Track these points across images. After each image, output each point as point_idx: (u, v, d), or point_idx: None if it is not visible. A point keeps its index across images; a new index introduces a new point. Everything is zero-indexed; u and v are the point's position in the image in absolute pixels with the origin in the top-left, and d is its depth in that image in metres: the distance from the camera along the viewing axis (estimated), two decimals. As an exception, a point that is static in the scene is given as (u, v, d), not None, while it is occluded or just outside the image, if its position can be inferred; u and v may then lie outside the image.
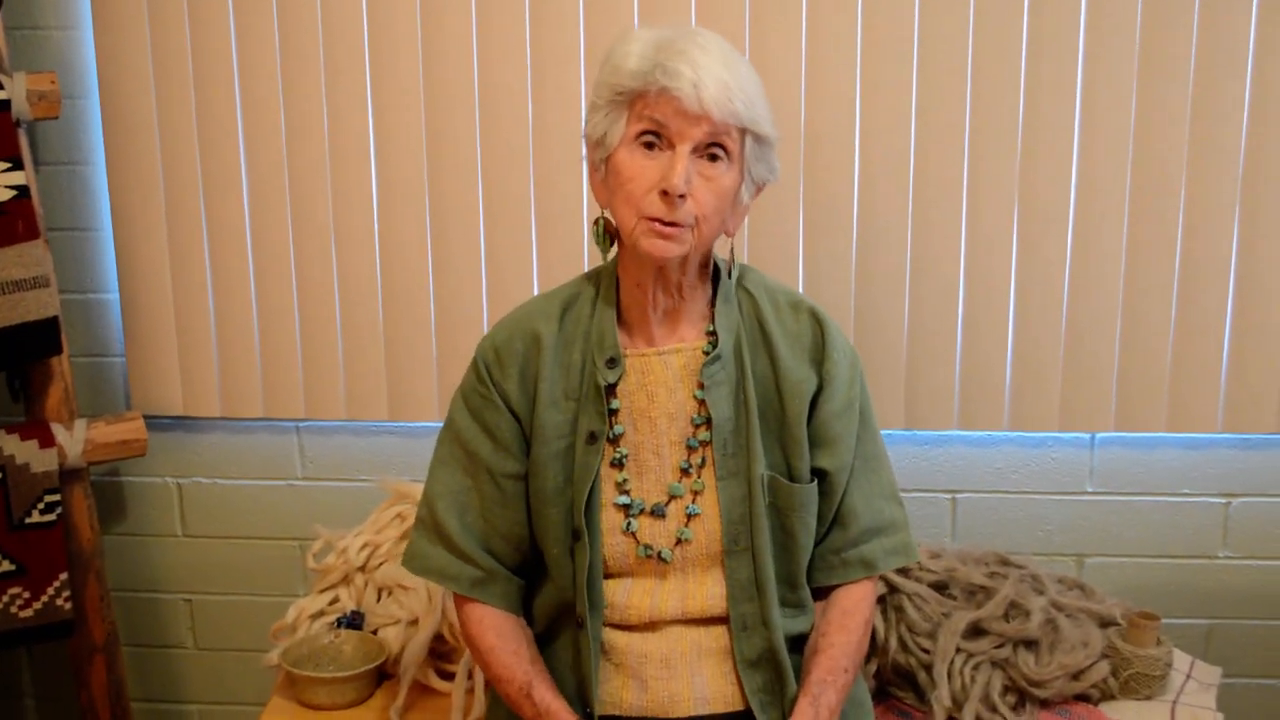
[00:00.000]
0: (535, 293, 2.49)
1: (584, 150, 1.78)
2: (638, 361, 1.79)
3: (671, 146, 1.66)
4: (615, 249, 1.79)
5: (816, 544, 1.83)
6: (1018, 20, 2.35)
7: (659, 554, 1.77)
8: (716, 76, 1.62)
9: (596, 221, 1.78)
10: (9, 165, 2.34)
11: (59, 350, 2.42)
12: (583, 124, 1.77)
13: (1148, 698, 2.18)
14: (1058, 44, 2.36)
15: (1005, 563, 2.34)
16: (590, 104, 1.74)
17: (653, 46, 1.66)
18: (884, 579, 2.18)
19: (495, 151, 2.48)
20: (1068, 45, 2.36)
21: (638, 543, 1.77)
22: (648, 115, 1.66)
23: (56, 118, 2.45)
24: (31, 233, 2.35)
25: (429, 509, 1.84)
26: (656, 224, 1.66)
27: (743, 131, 1.67)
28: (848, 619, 1.81)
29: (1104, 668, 2.16)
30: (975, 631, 2.17)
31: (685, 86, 1.62)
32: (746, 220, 2.39)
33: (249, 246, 2.56)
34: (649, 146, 1.67)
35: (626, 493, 1.78)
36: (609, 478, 1.78)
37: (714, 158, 1.67)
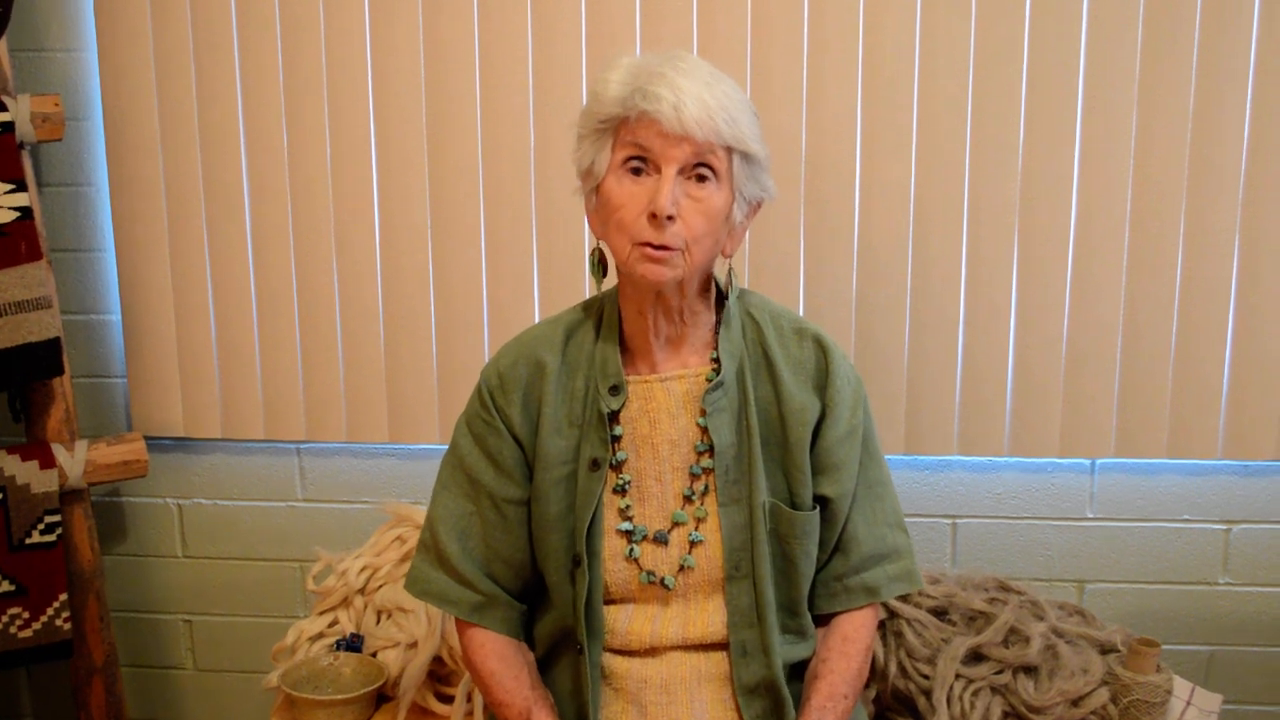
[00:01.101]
0: (537, 315, 2.50)
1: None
2: (640, 388, 1.79)
3: (658, 170, 1.65)
4: (608, 279, 1.79)
5: (818, 570, 1.83)
6: (1018, 45, 2.36)
7: (662, 580, 1.77)
8: (696, 96, 1.62)
9: (593, 253, 1.78)
10: (12, 187, 2.35)
11: (60, 371, 2.42)
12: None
13: (1148, 725, 2.18)
14: (1058, 69, 2.36)
15: (1005, 588, 2.34)
16: (577, 135, 1.74)
17: (631, 73, 1.67)
18: (884, 604, 2.18)
19: (497, 176, 2.49)
20: (1068, 70, 2.36)
21: (640, 569, 1.77)
22: (631, 141, 1.66)
23: (60, 140, 2.46)
24: (34, 254, 2.35)
25: (431, 533, 1.84)
26: (648, 249, 1.66)
27: (728, 150, 1.67)
28: (848, 645, 1.81)
29: (1104, 694, 2.16)
30: (975, 657, 2.17)
31: (665, 109, 1.62)
32: (747, 244, 2.42)
33: (251, 269, 2.57)
34: (636, 172, 1.67)
35: (629, 519, 1.78)
36: (611, 504, 1.78)
37: (701, 178, 1.66)
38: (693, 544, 1.77)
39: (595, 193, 1.73)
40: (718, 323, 1.81)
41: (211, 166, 2.54)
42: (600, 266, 1.78)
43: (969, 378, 2.47)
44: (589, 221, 1.77)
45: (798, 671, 1.82)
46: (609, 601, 1.79)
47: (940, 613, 2.25)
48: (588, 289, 2.47)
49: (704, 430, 1.77)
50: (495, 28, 2.44)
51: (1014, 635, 2.20)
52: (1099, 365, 2.44)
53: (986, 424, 2.48)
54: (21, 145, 2.39)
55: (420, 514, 2.42)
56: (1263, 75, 2.34)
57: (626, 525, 1.78)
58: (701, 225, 1.67)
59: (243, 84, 2.51)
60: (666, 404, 1.78)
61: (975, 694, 2.13)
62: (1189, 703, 2.26)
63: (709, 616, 1.78)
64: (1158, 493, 2.53)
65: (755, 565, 1.76)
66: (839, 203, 2.43)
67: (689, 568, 1.77)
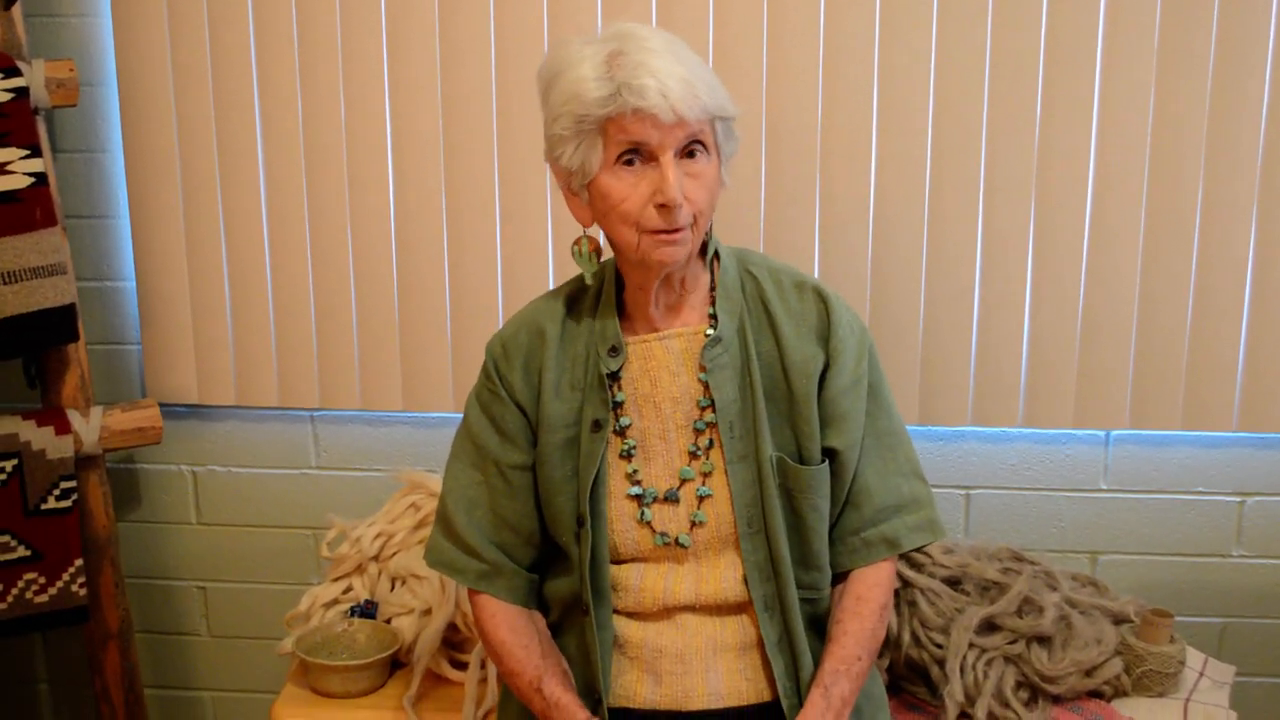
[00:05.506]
0: (550, 283, 2.50)
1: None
2: (639, 347, 1.80)
3: (654, 158, 1.67)
4: (596, 264, 1.80)
5: (834, 526, 1.83)
6: (1036, 15, 2.35)
7: (677, 540, 1.78)
8: (677, 77, 1.63)
9: (577, 242, 1.78)
10: (27, 152, 2.34)
11: (75, 337, 2.43)
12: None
13: (1161, 695, 2.18)
14: (1075, 40, 2.35)
15: (1019, 559, 2.34)
16: (553, 135, 1.71)
17: (604, 65, 1.66)
18: (897, 573, 2.17)
19: (511, 143, 2.48)
20: (1085, 42, 2.35)
21: (654, 531, 1.78)
22: (624, 139, 1.66)
23: (74, 105, 2.45)
24: (49, 220, 2.35)
25: (442, 504, 1.88)
26: (660, 235, 1.68)
27: (712, 120, 1.70)
28: (861, 605, 1.81)
29: (1117, 664, 2.16)
30: (988, 627, 2.17)
31: (654, 99, 1.62)
32: (762, 216, 2.42)
33: (265, 235, 2.57)
34: (629, 163, 1.68)
35: (638, 483, 1.79)
36: (618, 468, 1.80)
37: (692, 154, 1.69)
38: (701, 499, 1.78)
39: (586, 188, 1.73)
40: (714, 282, 1.82)
41: (226, 132, 2.54)
42: (593, 255, 1.79)
43: (983, 348, 2.46)
44: (575, 213, 1.78)
45: (812, 626, 1.82)
46: (620, 561, 1.81)
47: (954, 582, 2.26)
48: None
49: (705, 386, 1.79)
50: (511, 5, 2.43)
51: (1028, 605, 2.20)
52: (1114, 337, 2.44)
53: (1001, 395, 2.47)
54: (36, 111, 2.39)
55: (433, 481, 2.43)
56: (1283, 45, 2.33)
57: (635, 490, 1.79)
58: (705, 199, 1.70)
59: (257, 48, 2.50)
60: (666, 361, 1.80)
61: (989, 663, 2.13)
62: (1202, 674, 2.27)
63: (721, 573, 1.79)
64: (1172, 465, 2.53)
65: (767, 520, 1.77)
66: (854, 174, 2.42)
67: (700, 524, 1.78)
